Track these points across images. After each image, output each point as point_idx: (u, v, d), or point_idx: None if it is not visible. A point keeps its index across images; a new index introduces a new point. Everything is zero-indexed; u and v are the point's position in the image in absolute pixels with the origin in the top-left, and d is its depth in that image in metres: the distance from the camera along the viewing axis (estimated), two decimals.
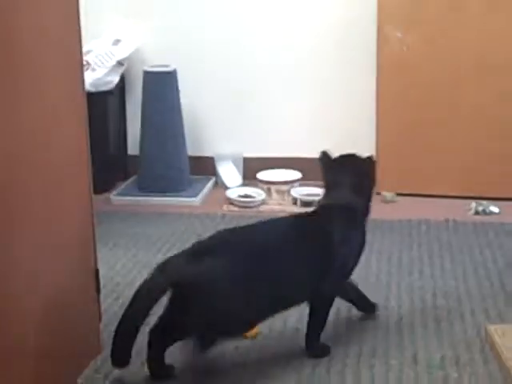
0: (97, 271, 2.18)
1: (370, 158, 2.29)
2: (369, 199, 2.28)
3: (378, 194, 3.50)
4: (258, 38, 3.71)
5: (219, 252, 2.00)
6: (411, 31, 3.40)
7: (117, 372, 2.07)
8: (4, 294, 1.66)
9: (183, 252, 2.05)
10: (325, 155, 2.34)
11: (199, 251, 2.02)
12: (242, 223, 3.12)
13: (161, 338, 2.04)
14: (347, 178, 2.25)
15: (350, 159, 2.30)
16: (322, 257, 2.12)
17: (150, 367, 2.05)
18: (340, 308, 2.40)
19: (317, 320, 2.16)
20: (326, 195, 2.29)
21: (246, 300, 1.97)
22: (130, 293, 2.50)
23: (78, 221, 2.06)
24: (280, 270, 2.05)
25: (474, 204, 3.31)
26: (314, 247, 2.12)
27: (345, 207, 2.19)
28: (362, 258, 2.77)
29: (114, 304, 2.47)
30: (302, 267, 2.09)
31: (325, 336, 2.22)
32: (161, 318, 2.03)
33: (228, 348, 2.17)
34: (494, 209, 3.29)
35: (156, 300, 1.98)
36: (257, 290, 2.00)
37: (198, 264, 1.97)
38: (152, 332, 2.03)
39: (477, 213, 3.28)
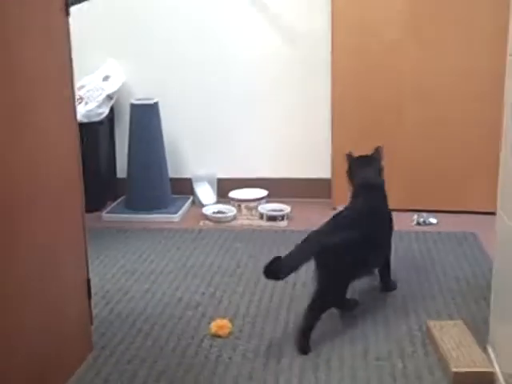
0: (88, 280, 2.16)
1: (378, 147, 2.63)
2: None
3: (334, 208, 3.52)
4: (229, 72, 3.71)
5: (345, 229, 2.29)
6: (360, 61, 3.43)
7: (106, 369, 2.05)
8: (6, 302, 1.64)
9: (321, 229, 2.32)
10: (350, 155, 2.67)
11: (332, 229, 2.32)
12: (217, 236, 3.17)
13: (315, 308, 2.19)
14: (372, 165, 2.61)
15: (368, 155, 2.65)
16: (389, 223, 2.53)
17: (300, 341, 2.14)
18: (301, 310, 2.41)
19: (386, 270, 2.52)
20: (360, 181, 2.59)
21: (363, 259, 2.29)
22: (118, 298, 2.53)
23: (73, 236, 2.05)
24: (379, 237, 2.43)
25: (415, 216, 3.33)
26: (386, 217, 2.52)
27: (379, 185, 2.57)
28: None
29: (104, 309, 2.46)
30: (386, 234, 2.50)
31: (285, 336, 2.22)
32: (314, 292, 2.21)
33: (204, 346, 2.16)
34: (433, 220, 3.32)
35: (302, 263, 2.17)
36: (368, 253, 2.31)
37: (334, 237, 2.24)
38: (309, 306, 2.19)
39: (418, 224, 3.30)
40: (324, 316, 2.33)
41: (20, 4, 1.71)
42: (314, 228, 3.12)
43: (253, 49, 3.68)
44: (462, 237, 3.09)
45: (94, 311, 2.32)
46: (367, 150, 3.44)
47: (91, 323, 2.19)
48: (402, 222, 3.25)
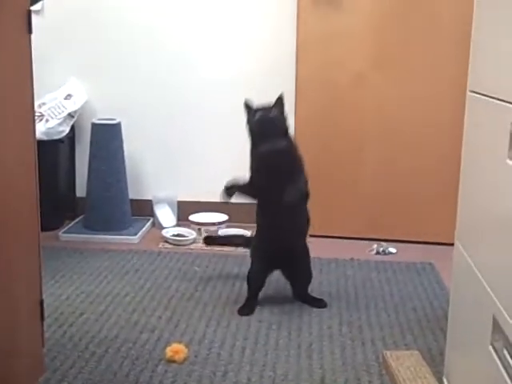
0: (42, 301, 2.11)
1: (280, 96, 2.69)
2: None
3: None
4: (188, 94, 3.71)
5: None
6: (324, 94, 3.46)
7: None
8: None
9: None
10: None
11: None
12: (176, 259, 3.14)
13: None
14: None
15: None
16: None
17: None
18: (258, 337, 2.39)
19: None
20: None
21: None
22: (72, 320, 2.49)
23: (27, 255, 2.00)
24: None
25: (375, 245, 3.35)
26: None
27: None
28: (279, 291, 2.78)
29: (57, 331, 2.40)
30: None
31: (242, 363, 2.21)
32: None
33: (159, 371, 2.13)
34: (392, 249, 3.34)
35: None
36: None
37: None
38: None
39: (377, 253, 3.32)
40: (280, 343, 2.33)
41: None
42: None
43: (217, 72, 3.68)
44: (421, 267, 3.11)
45: (47, 333, 2.27)
46: (327, 179, 3.49)
47: (43, 346, 2.14)
48: (361, 251, 3.29)
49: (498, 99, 1.54)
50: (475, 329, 1.69)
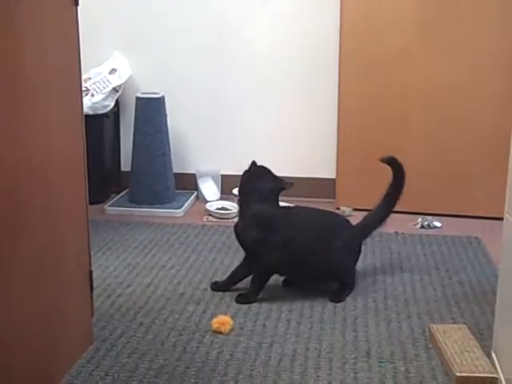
0: (91, 272, 2.15)
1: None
2: None
3: (338, 208, 3.50)
4: (235, 69, 3.70)
5: None
6: (368, 67, 3.41)
7: (106, 362, 2.03)
8: (7, 292, 1.62)
9: None
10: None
11: None
12: (220, 232, 3.16)
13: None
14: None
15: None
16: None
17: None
18: (303, 309, 2.39)
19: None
20: None
21: None
22: (120, 292, 2.52)
23: (75, 228, 2.03)
24: None
25: (420, 219, 3.32)
26: None
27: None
28: None
29: (105, 302, 2.44)
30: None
31: (288, 335, 2.21)
32: None
33: (206, 342, 2.15)
34: (437, 223, 3.30)
35: None
36: None
37: None
38: None
39: (422, 227, 3.28)
40: (326, 316, 2.33)
41: None
42: None
43: (262, 46, 3.66)
44: (466, 241, 3.07)
45: (95, 304, 2.30)
46: (373, 150, 3.46)
47: (92, 316, 2.18)
48: (405, 225, 3.26)
49: None
50: None
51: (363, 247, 2.68)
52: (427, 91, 3.39)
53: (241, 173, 3.70)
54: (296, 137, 3.72)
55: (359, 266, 2.78)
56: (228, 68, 3.70)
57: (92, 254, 2.18)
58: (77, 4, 1.96)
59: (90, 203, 2.13)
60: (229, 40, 3.68)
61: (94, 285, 2.20)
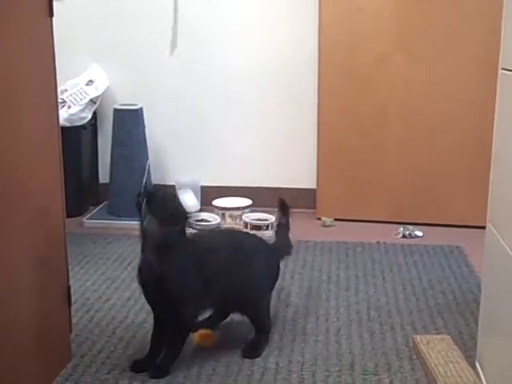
0: (69, 287, 2.11)
1: None
2: None
3: (319, 219, 3.50)
4: (213, 80, 3.68)
5: None
6: (348, 74, 3.41)
7: (86, 379, 1.99)
8: None
9: None
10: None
11: None
12: None
13: None
14: None
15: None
16: None
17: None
18: (285, 322, 2.37)
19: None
20: None
21: None
22: (99, 306, 2.48)
23: (53, 241, 1.99)
24: None
25: (401, 228, 3.31)
26: None
27: None
28: (306, 275, 2.77)
29: (84, 317, 2.39)
30: None
31: (270, 347, 2.18)
32: None
33: (187, 356, 2.11)
34: (419, 233, 3.29)
35: None
36: None
37: None
38: None
39: (404, 236, 3.27)
40: (308, 327, 2.31)
41: (3, 4, 1.66)
42: (298, 238, 3.12)
43: (240, 57, 3.64)
44: (448, 250, 3.07)
45: (74, 319, 2.26)
46: (353, 160, 3.46)
47: (70, 331, 2.13)
48: (387, 235, 3.25)
49: None
50: (511, 312, 1.65)
51: (345, 258, 2.66)
52: (406, 100, 3.39)
53: (221, 184, 3.72)
54: (275, 147, 3.70)
55: (341, 276, 2.77)
56: (206, 79, 3.68)
57: (70, 267, 2.14)
58: (52, 15, 1.93)
59: (68, 216, 2.09)
60: (206, 52, 3.66)
61: (72, 299, 2.15)
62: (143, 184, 3.45)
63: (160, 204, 2.00)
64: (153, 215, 1.97)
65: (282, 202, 2.39)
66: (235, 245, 2.17)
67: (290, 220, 2.39)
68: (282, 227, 2.39)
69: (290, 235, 2.41)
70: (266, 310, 2.21)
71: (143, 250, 2.02)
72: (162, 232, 1.96)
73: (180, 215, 2.02)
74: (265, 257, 2.20)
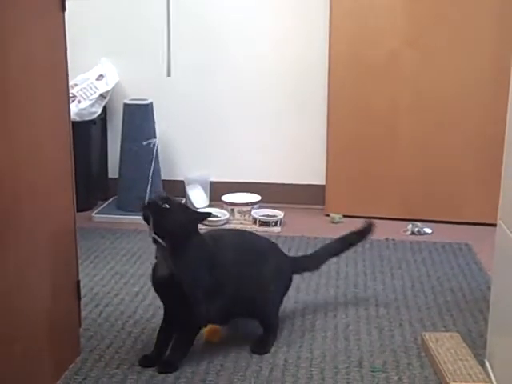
0: (78, 282, 2.11)
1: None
2: None
3: (327, 215, 3.49)
4: (224, 75, 3.67)
5: None
6: (358, 71, 3.40)
7: (94, 374, 2.00)
8: None
9: None
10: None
11: None
12: None
13: None
14: None
15: None
16: None
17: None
18: (294, 318, 2.37)
19: None
20: None
21: None
22: (107, 301, 2.48)
23: (63, 236, 2.00)
24: None
25: (410, 225, 3.30)
26: None
27: None
28: (314, 272, 2.76)
29: (93, 311, 2.40)
30: None
31: (279, 343, 2.18)
32: None
33: (196, 351, 2.11)
34: (428, 230, 3.28)
35: None
36: None
37: None
38: None
39: (413, 233, 3.26)
40: (317, 324, 2.31)
41: None
42: (307, 234, 3.12)
43: (250, 52, 3.64)
44: (457, 247, 3.06)
45: (83, 314, 2.26)
46: (363, 156, 3.44)
47: (79, 326, 2.14)
48: (395, 232, 3.24)
49: None
50: None
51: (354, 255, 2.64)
52: (417, 96, 3.38)
53: (230, 180, 3.71)
54: (285, 143, 3.69)
55: (350, 273, 2.76)
56: (217, 74, 3.68)
57: (79, 262, 2.15)
58: (64, 10, 1.93)
59: (77, 211, 2.09)
60: (218, 47, 3.66)
61: (82, 294, 2.16)
62: (149, 181, 3.44)
63: (167, 221, 2.00)
64: (161, 232, 1.98)
65: (370, 225, 2.40)
66: (246, 245, 2.18)
67: (353, 244, 2.42)
68: (335, 245, 2.43)
69: (334, 256, 2.43)
70: (275, 313, 2.21)
71: (157, 253, 2.03)
72: (173, 239, 1.99)
73: (189, 225, 2.02)
74: (276, 260, 2.20)
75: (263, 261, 2.15)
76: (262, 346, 2.15)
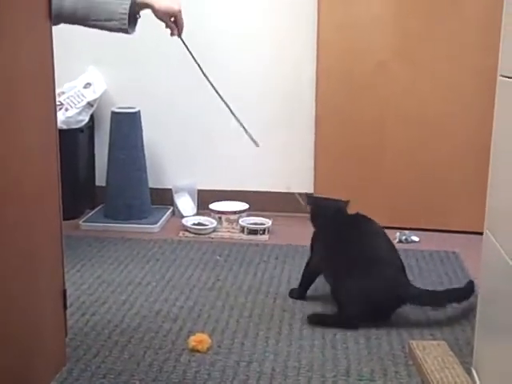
0: (64, 291, 2.09)
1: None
2: None
3: None
4: (209, 86, 3.67)
5: None
6: (345, 83, 3.41)
7: None
8: None
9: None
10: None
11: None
12: (196, 248, 3.12)
13: None
14: None
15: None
16: None
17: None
18: (281, 327, 2.36)
19: None
20: None
21: None
22: (94, 310, 2.46)
23: (49, 244, 1.98)
24: None
25: (398, 233, 3.30)
26: None
27: None
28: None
29: (79, 320, 2.38)
30: None
31: (266, 353, 2.17)
32: None
33: (183, 360, 2.10)
34: (415, 238, 3.29)
35: None
36: None
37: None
38: None
39: (400, 241, 3.26)
40: (304, 333, 2.30)
41: (3, 6, 1.65)
42: (295, 243, 3.12)
43: (239, 62, 3.64)
44: (444, 256, 3.06)
45: (69, 322, 2.24)
46: (351, 165, 3.45)
47: (66, 335, 2.12)
48: None
49: None
50: (508, 319, 1.64)
51: None
52: (405, 106, 3.39)
53: (218, 188, 3.70)
54: (273, 151, 3.69)
55: None
56: (204, 83, 3.67)
57: (66, 270, 2.13)
58: (51, 18, 1.92)
59: (64, 219, 2.07)
60: (204, 56, 3.65)
61: (68, 303, 2.15)
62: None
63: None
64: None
65: (471, 285, 2.46)
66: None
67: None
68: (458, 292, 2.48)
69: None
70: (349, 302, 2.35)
71: None
72: None
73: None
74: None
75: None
76: (321, 318, 2.38)
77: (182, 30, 2.92)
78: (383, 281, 2.33)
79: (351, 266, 2.36)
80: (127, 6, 2.78)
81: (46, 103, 1.94)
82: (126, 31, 2.83)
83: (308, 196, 2.70)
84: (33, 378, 1.88)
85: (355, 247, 2.42)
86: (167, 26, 2.89)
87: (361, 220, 2.56)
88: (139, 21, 3.59)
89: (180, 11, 2.87)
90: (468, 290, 2.43)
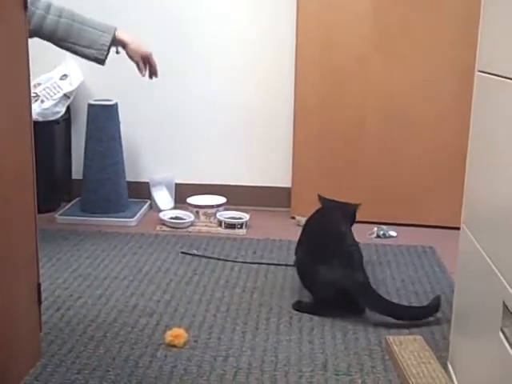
0: (39, 285, 2.07)
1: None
2: None
3: (293, 218, 3.48)
4: (189, 76, 3.65)
5: None
6: (325, 78, 3.40)
7: (55, 379, 1.96)
8: None
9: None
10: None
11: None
12: (173, 242, 3.10)
13: None
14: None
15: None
16: None
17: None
18: (259, 321, 2.36)
19: None
20: None
21: None
22: (69, 304, 2.44)
23: (23, 237, 1.95)
24: None
25: (375, 228, 3.31)
26: None
27: None
28: (279, 275, 2.76)
29: (54, 315, 2.35)
30: None
31: (243, 348, 2.17)
32: None
33: (159, 355, 2.09)
34: (393, 233, 3.30)
35: None
36: None
37: None
38: None
39: (378, 236, 3.28)
40: (281, 327, 2.30)
41: None
42: (272, 237, 3.11)
43: (218, 54, 3.62)
44: (421, 250, 3.08)
45: (44, 317, 2.22)
46: (329, 159, 3.45)
47: (40, 330, 2.10)
48: (361, 234, 3.22)
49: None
50: (484, 314, 1.65)
51: None
52: (384, 100, 3.39)
53: (195, 182, 3.68)
54: (251, 145, 3.69)
55: None
56: (179, 75, 3.65)
57: (41, 264, 2.11)
58: (26, 8, 1.89)
59: (40, 212, 2.05)
60: (183, 49, 3.63)
61: (43, 297, 2.13)
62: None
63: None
64: None
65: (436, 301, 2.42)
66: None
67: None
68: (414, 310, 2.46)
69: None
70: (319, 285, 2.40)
71: None
72: None
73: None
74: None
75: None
76: (301, 304, 2.46)
77: (155, 71, 3.07)
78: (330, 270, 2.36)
79: (316, 256, 2.43)
80: (109, 39, 2.92)
81: (19, 94, 1.91)
82: (101, 61, 2.95)
83: (320, 197, 2.77)
84: (6, 373, 1.86)
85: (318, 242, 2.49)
86: (138, 67, 3.04)
87: (330, 217, 2.65)
88: (116, 10, 3.58)
89: (151, 54, 3.04)
90: (431, 309, 2.38)
